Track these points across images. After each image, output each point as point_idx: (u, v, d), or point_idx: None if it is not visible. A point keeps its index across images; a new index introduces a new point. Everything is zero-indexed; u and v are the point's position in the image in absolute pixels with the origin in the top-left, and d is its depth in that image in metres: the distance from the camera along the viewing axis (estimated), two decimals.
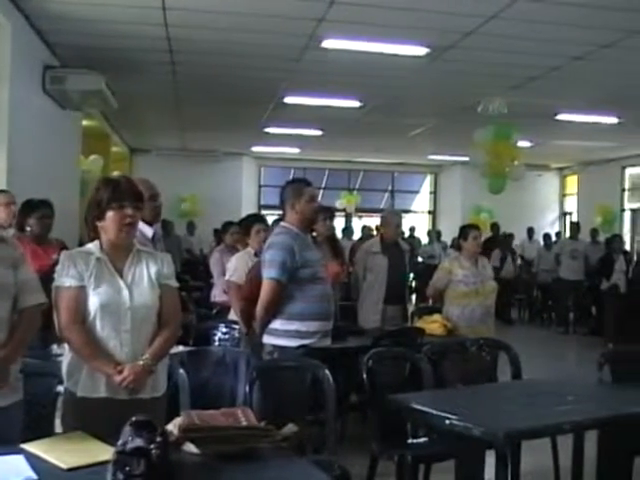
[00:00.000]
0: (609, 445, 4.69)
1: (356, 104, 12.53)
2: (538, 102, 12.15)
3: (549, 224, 22.33)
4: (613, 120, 13.74)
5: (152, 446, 2.70)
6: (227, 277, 6.92)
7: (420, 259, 17.89)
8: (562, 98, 12.02)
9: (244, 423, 3.22)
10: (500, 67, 9.88)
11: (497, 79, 10.53)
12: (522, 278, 16.57)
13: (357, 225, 19.56)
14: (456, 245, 8.22)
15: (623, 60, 9.32)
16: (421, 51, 8.96)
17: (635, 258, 14.69)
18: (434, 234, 19.49)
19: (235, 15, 7.85)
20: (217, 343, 6.29)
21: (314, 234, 6.72)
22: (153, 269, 3.67)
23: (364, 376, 4.84)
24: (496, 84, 10.78)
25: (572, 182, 23.22)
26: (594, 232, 16.10)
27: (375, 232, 14.91)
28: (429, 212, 24.02)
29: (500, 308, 15.28)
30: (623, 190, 20.50)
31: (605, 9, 7.38)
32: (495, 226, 16.90)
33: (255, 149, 19.97)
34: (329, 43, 8.68)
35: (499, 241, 16.13)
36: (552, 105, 12.58)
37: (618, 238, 14.47)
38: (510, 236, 18.41)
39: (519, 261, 17.10)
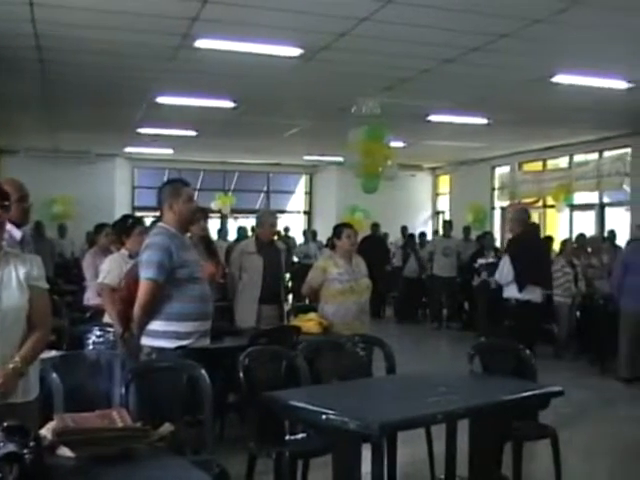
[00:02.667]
0: (480, 432, 4.85)
1: (230, 104, 12.50)
2: (410, 103, 12.39)
3: (422, 223, 22.85)
4: (483, 121, 14.16)
5: (25, 451, 2.65)
6: (100, 279, 6.80)
7: (296, 259, 17.99)
8: (433, 99, 12.31)
9: (119, 424, 3.20)
10: (373, 68, 10.02)
11: (370, 80, 10.69)
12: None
13: (233, 226, 19.50)
14: (330, 244, 8.32)
15: (491, 63, 9.62)
16: (295, 52, 9.00)
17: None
18: (310, 234, 19.66)
19: (106, 13, 7.69)
20: (91, 347, 6.18)
21: (188, 235, 6.69)
22: (22, 271, 3.57)
23: (240, 375, 4.86)
24: (369, 85, 10.95)
25: (444, 181, 23.83)
26: (466, 230, 16.58)
27: (251, 232, 14.93)
28: (305, 212, 24.19)
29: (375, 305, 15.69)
30: (493, 189, 21.15)
31: (473, 13, 7.60)
32: (376, 226, 17.16)
33: (128, 150, 19.67)
34: (202, 43, 8.62)
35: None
36: (424, 106, 12.85)
37: (489, 235, 14.93)
38: (386, 235, 18.82)
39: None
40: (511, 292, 8.49)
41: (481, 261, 14.81)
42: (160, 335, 5.10)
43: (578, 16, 7.56)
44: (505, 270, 8.59)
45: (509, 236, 8.76)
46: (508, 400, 4.70)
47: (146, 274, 5.08)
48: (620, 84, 10.67)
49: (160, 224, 5.32)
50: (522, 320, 8.35)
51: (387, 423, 4.00)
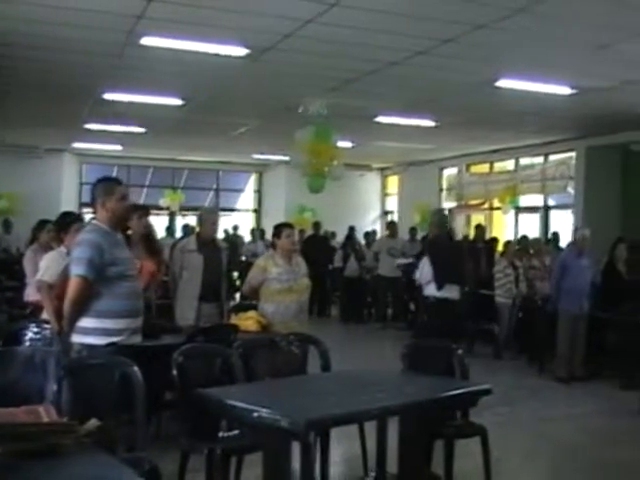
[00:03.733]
0: (409, 430, 4.94)
1: (178, 102, 12.48)
2: (358, 104, 12.49)
3: (371, 223, 22.98)
4: (430, 123, 14.31)
5: None
6: (38, 276, 6.76)
7: (244, 257, 18.00)
8: (381, 101, 12.41)
9: (45, 420, 3.21)
10: (319, 69, 10.09)
11: (317, 81, 10.76)
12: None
13: (182, 223, 19.46)
14: (271, 243, 8.39)
15: (436, 66, 9.75)
16: (241, 51, 9.03)
17: None
18: (258, 233, 19.67)
19: (52, 8, 7.65)
20: (28, 343, 6.16)
21: (129, 232, 6.69)
22: None
23: (174, 372, 4.90)
24: (316, 85, 11.02)
25: (393, 182, 24.00)
26: (412, 230, 16.74)
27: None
28: (254, 211, 24.21)
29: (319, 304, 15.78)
30: (441, 190, 21.37)
31: (418, 18, 7.72)
32: (317, 225, 17.23)
33: (76, 145, 19.50)
34: (148, 40, 8.60)
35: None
36: (371, 107, 12.96)
37: None
38: (333, 234, 18.92)
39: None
40: (430, 290, 8.75)
41: (400, 261, 15.06)
42: (90, 332, 5.11)
43: (521, 23, 7.72)
44: (425, 270, 8.83)
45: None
46: (437, 398, 4.80)
47: (76, 271, 5.08)
48: (564, 90, 10.88)
49: (93, 221, 5.34)
50: (440, 316, 8.60)
51: (314, 420, 4.06)
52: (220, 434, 4.92)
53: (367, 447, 5.75)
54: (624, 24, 7.74)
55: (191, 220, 18.92)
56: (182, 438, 4.93)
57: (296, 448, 4.32)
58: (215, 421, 4.95)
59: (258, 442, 4.56)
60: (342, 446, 6.09)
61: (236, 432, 4.94)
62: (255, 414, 4.11)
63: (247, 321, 7.05)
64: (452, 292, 8.79)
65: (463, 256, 9.47)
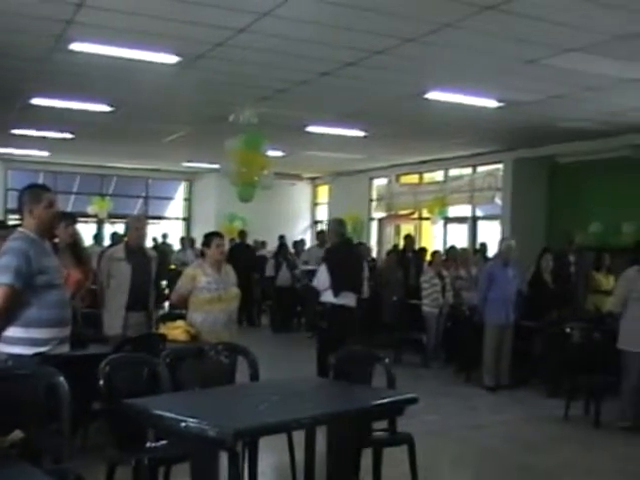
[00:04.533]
0: (337, 438, 4.96)
1: (107, 108, 12.34)
2: (289, 114, 12.53)
3: (301, 232, 23.03)
4: (360, 134, 14.43)
5: None
6: None
7: (173, 266, 17.85)
8: (311, 111, 12.48)
9: None
10: (251, 78, 10.10)
11: (248, 90, 10.76)
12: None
13: (110, 231, 19.22)
14: (200, 252, 8.34)
15: (366, 78, 9.85)
16: (171, 59, 8.98)
17: (380, 265, 15.52)
18: (187, 241, 19.54)
19: None
20: None
21: (56, 240, 6.59)
22: None
23: (101, 382, 4.83)
24: (247, 94, 11.02)
25: (323, 191, 24.11)
26: None
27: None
28: (183, 219, 24.06)
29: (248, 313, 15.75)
30: (371, 200, 21.54)
31: (348, 30, 7.78)
32: (243, 234, 17.18)
33: (2, 151, 19.14)
34: (77, 46, 8.50)
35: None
36: (302, 117, 13.01)
37: (363, 245, 15.16)
38: (263, 243, 18.89)
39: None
40: (328, 297, 8.87)
41: (302, 268, 15.15)
42: (17, 342, 5.01)
43: (450, 37, 7.86)
44: (322, 277, 8.94)
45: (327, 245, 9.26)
46: (363, 407, 4.83)
47: (3, 279, 4.96)
48: (491, 103, 11.08)
49: (20, 229, 5.23)
50: (337, 322, 8.74)
51: (242, 430, 4.06)
52: (148, 444, 4.88)
53: (296, 457, 5.75)
54: (551, 40, 7.94)
55: (120, 228, 18.70)
56: (109, 449, 4.87)
57: (224, 458, 4.31)
58: (142, 432, 4.90)
59: (186, 452, 4.53)
60: (270, 456, 6.08)
61: (164, 442, 4.90)
62: (183, 424, 4.09)
63: (175, 330, 6.99)
64: (349, 299, 8.92)
65: (360, 264, 9.63)
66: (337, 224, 9.55)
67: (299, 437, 5.37)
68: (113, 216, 21.56)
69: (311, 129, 14.05)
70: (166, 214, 24.19)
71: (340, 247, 9.30)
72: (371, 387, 5.66)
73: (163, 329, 7.13)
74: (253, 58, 9.00)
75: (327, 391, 5.34)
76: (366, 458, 5.39)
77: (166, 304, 14.31)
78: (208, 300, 7.20)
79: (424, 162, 18.58)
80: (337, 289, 8.82)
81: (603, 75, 9.26)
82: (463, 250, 13.98)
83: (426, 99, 10.89)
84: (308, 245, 19.36)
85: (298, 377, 6.62)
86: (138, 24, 7.73)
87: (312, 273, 11.49)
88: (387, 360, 5.84)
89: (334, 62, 9.14)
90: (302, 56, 8.89)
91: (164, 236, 20.14)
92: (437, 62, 9.05)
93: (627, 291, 8.16)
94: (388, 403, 5.02)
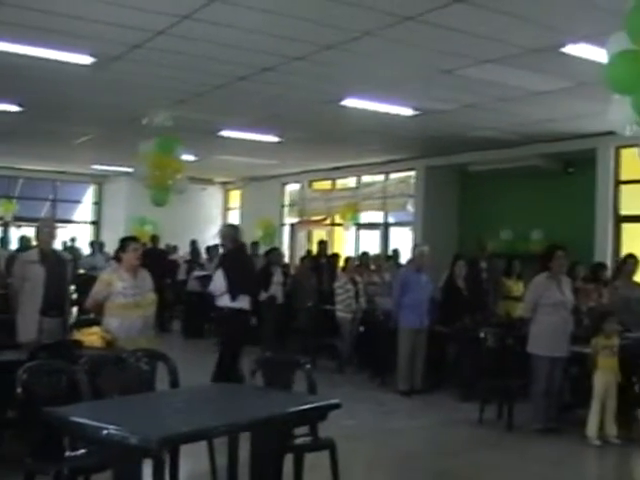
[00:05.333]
0: (260, 444, 4.93)
1: (16, 108, 12.04)
2: (203, 118, 12.47)
3: (212, 237, 22.84)
4: (275, 139, 14.44)
5: None
6: None
7: (82, 270, 17.48)
8: (227, 115, 12.44)
9: None
10: (167, 81, 10.00)
11: (164, 93, 10.66)
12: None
13: (16, 235, 18.74)
14: (116, 257, 8.21)
15: (284, 83, 9.88)
16: (86, 60, 8.83)
17: (292, 271, 15.52)
18: (97, 245, 19.18)
19: None
20: None
21: None
22: None
23: (18, 390, 4.70)
24: (162, 97, 10.91)
25: (235, 196, 24.02)
26: (254, 245, 16.75)
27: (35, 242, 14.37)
28: (92, 222, 23.62)
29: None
30: (283, 205, 21.56)
31: (268, 35, 7.80)
32: (155, 238, 16.96)
33: None
34: None
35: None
36: (216, 121, 12.97)
37: (276, 251, 15.10)
38: (175, 248, 18.69)
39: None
40: (224, 301, 8.96)
41: (196, 273, 15.11)
42: None
43: (368, 46, 7.96)
44: (219, 282, 9.00)
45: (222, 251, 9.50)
46: (287, 413, 4.82)
47: None
48: (406, 111, 11.23)
49: None
50: (235, 325, 8.92)
51: (167, 437, 4.00)
52: (67, 454, 4.76)
53: (219, 463, 5.69)
54: (467, 51, 8.10)
55: (26, 231, 18.25)
56: (26, 459, 4.73)
57: (145, 466, 4.23)
58: (61, 440, 4.78)
59: (107, 461, 4.44)
60: (191, 463, 6.01)
61: (83, 451, 4.79)
62: (104, 431, 4.01)
63: (91, 336, 6.84)
64: (244, 302, 8.98)
65: (254, 269, 9.97)
66: (231, 229, 9.68)
67: (220, 444, 5.33)
68: (19, 219, 21.03)
69: (225, 133, 14.01)
70: (74, 218, 23.69)
71: (235, 252, 9.42)
72: (294, 393, 5.64)
73: (78, 335, 6.97)
74: (170, 61, 8.94)
75: (250, 397, 5.30)
76: (287, 464, 5.38)
77: (74, 309, 14.07)
78: (124, 305, 7.06)
79: (337, 168, 18.70)
80: (234, 293, 8.87)
81: (516, 86, 9.50)
82: (376, 256, 14.09)
83: (342, 106, 10.98)
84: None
85: (221, 384, 6.57)
86: (54, 23, 7.60)
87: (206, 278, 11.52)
88: (308, 366, 5.84)
89: (252, 67, 9.14)
90: (220, 60, 8.87)
91: (72, 240, 19.73)
92: (355, 70, 9.13)
93: (537, 297, 8.35)
94: (311, 408, 5.03)
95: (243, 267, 9.33)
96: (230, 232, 9.54)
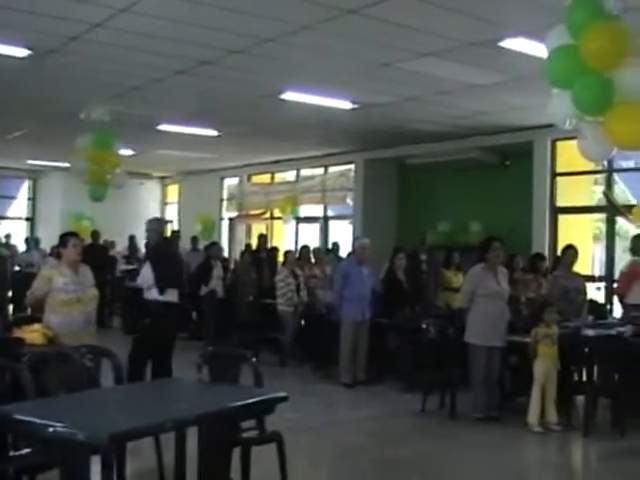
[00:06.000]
0: (208, 439, 4.91)
1: None
2: (141, 112, 12.35)
3: None
4: (213, 133, 14.37)
5: None
6: None
7: (18, 267, 17.20)
8: (165, 109, 12.34)
9: None
10: (104, 75, 9.88)
11: (101, 86, 10.52)
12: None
13: None
14: (56, 253, 8.09)
15: (222, 77, 9.83)
16: (22, 52, 8.67)
17: (232, 265, 15.47)
18: (32, 242, 18.86)
19: None
20: None
21: None
22: None
23: None
24: (100, 91, 10.77)
25: (173, 191, 23.84)
26: (194, 240, 16.68)
27: None
28: (27, 219, 23.20)
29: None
30: (222, 200, 21.47)
31: (206, 28, 7.75)
32: (95, 234, 16.76)
33: None
34: None
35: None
36: (154, 115, 12.85)
37: (216, 245, 15.04)
38: (113, 243, 18.48)
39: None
40: (152, 295, 8.90)
41: (123, 267, 15.00)
42: None
43: (308, 39, 7.97)
44: (146, 275, 8.97)
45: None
46: (235, 406, 4.82)
47: None
48: (345, 104, 11.27)
49: None
50: (162, 318, 8.82)
51: (117, 433, 3.97)
52: (11, 453, 4.68)
53: (166, 459, 5.66)
54: (407, 45, 8.16)
55: None
56: None
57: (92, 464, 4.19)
58: (5, 439, 4.70)
59: (54, 459, 4.38)
60: (137, 461, 5.97)
61: (28, 450, 4.72)
62: (50, 429, 3.97)
63: (32, 334, 6.73)
64: (173, 296, 8.97)
65: (181, 261, 9.96)
66: (156, 223, 9.62)
67: (166, 440, 5.30)
68: None
69: (163, 127, 13.90)
70: (8, 214, 23.23)
71: (161, 245, 9.43)
72: (241, 386, 5.64)
73: (19, 333, 6.85)
74: (108, 54, 8.84)
75: (197, 391, 5.29)
76: (234, 457, 5.37)
77: (10, 307, 13.87)
78: (66, 302, 6.98)
79: (276, 162, 18.69)
80: (162, 286, 8.84)
81: (454, 80, 9.60)
82: (317, 249, 14.12)
83: (281, 99, 10.98)
84: None
85: (166, 379, 6.53)
86: None
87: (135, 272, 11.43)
88: (254, 359, 5.85)
89: (190, 60, 9.10)
90: (158, 53, 8.80)
91: (7, 237, 19.37)
92: (295, 63, 9.14)
93: (473, 287, 8.49)
94: (259, 402, 5.04)
95: (170, 260, 9.29)
96: (155, 226, 9.50)
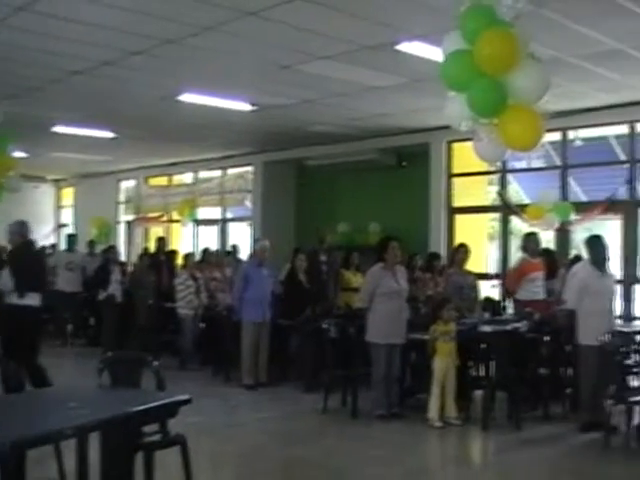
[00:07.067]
0: (111, 444, 4.86)
1: None
2: (35, 113, 12.11)
3: (44, 236, 22.12)
4: (109, 135, 14.17)
5: None
6: None
7: None
8: (60, 110, 12.12)
9: None
10: None
11: None
12: None
13: None
14: None
15: (121, 78, 9.74)
16: None
17: (130, 268, 15.28)
18: None
19: None
20: None
21: None
22: None
23: None
24: None
25: (69, 194, 23.34)
26: (91, 243, 16.38)
27: None
28: None
29: None
30: (118, 203, 21.16)
31: (106, 29, 7.69)
32: None
33: None
34: None
35: None
36: (49, 117, 12.60)
37: (113, 249, 14.84)
38: (3, 248, 17.91)
39: None
40: (12, 299, 8.77)
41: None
42: None
43: (208, 40, 7.95)
44: (6, 279, 8.84)
45: (10, 247, 9.28)
46: (137, 411, 4.77)
47: None
48: (244, 106, 11.28)
49: None
50: (23, 322, 8.70)
51: (18, 441, 3.89)
52: None
53: (67, 467, 5.56)
54: (306, 47, 8.23)
55: None
56: None
57: None
58: None
59: None
60: (37, 470, 5.83)
61: None
62: None
63: None
64: (33, 299, 8.86)
65: (44, 264, 9.96)
66: (18, 226, 9.43)
67: (65, 447, 5.22)
68: None
69: (58, 129, 13.62)
70: None
71: (22, 248, 9.19)
72: (142, 390, 5.59)
73: None
74: (3, 53, 8.72)
75: (98, 397, 5.23)
76: (137, 462, 5.32)
77: None
78: None
79: (174, 164, 18.52)
80: (22, 290, 8.69)
81: (353, 82, 9.73)
82: (216, 252, 14.07)
83: (180, 101, 10.93)
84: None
85: (66, 385, 6.42)
86: None
87: None
88: (156, 363, 5.81)
89: (89, 61, 8.98)
90: (55, 54, 8.69)
91: None
92: (194, 65, 9.12)
93: (372, 287, 8.62)
94: (162, 405, 5.00)
95: (31, 263, 9.12)
96: (16, 228, 9.30)
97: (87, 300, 14.64)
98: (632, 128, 11.42)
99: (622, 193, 11.47)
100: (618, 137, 12.62)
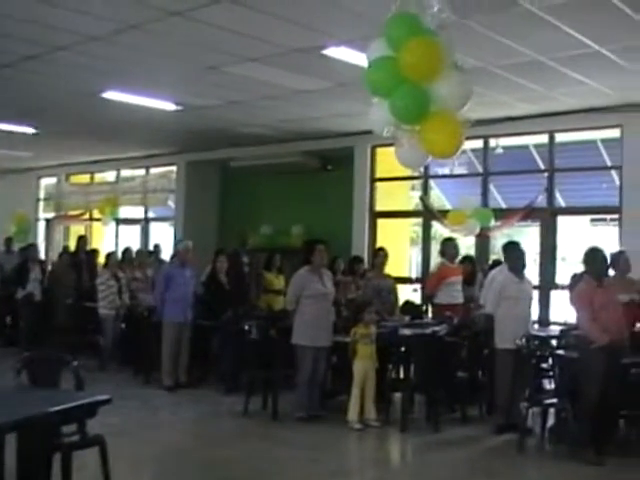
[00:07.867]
0: (28, 445, 4.80)
1: None
2: None
3: None
4: (30, 130, 13.92)
5: None
6: None
7: None
8: None
9: None
10: None
11: None
12: None
13: None
14: None
15: (44, 73, 9.60)
16: None
17: (50, 267, 15.04)
18: None
19: None
20: None
21: None
22: None
23: None
24: None
25: None
26: (8, 241, 16.07)
27: None
28: None
29: None
30: (38, 200, 20.79)
31: (32, 23, 7.57)
32: None
33: None
34: None
35: None
36: None
37: (32, 247, 14.59)
38: None
39: None
40: None
41: None
42: None
43: (133, 39, 7.91)
44: None
45: None
46: (54, 411, 4.71)
47: None
48: (168, 105, 11.22)
49: None
50: None
51: None
52: None
53: None
54: (233, 49, 8.24)
55: None
56: None
57: None
58: None
59: None
60: None
61: None
62: None
63: None
64: None
65: None
66: None
67: None
68: None
69: None
70: None
71: None
72: (60, 390, 5.53)
73: None
74: None
75: (15, 397, 5.14)
76: (55, 464, 5.26)
77: None
78: None
79: (96, 162, 18.29)
80: None
81: (279, 85, 9.77)
82: (139, 252, 13.93)
83: (103, 98, 10.82)
84: None
85: None
86: None
87: None
88: (75, 363, 5.76)
89: (13, 55, 8.80)
90: None
91: None
92: (119, 62, 9.04)
93: (299, 290, 8.66)
94: (81, 405, 4.96)
95: None
96: None
97: (5, 298, 14.34)
98: (551, 138, 11.71)
99: (541, 201, 11.73)
100: (538, 146, 12.93)
